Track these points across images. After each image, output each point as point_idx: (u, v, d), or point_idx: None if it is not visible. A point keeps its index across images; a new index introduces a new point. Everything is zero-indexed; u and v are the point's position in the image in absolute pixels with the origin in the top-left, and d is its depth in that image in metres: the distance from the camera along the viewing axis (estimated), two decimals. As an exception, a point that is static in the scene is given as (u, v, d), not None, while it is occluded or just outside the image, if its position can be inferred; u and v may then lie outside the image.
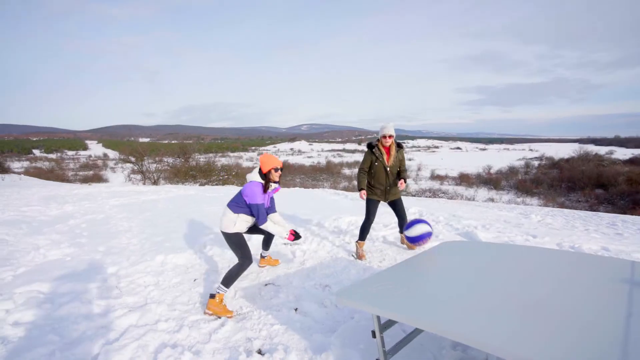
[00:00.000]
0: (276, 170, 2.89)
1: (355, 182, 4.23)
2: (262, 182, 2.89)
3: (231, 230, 2.86)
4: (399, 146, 3.95)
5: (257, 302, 2.81)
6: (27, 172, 29.80)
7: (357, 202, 8.71)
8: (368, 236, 4.96)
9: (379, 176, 3.85)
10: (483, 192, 44.71)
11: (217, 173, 18.91)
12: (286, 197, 9.89)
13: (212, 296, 2.65)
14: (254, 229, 3.18)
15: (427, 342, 2.17)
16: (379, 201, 3.98)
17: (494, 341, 1.22)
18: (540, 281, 1.88)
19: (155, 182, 18.56)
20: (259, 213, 2.82)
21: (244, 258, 2.79)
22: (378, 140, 3.88)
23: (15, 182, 17.10)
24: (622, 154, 72.32)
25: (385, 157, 3.80)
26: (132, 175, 21.33)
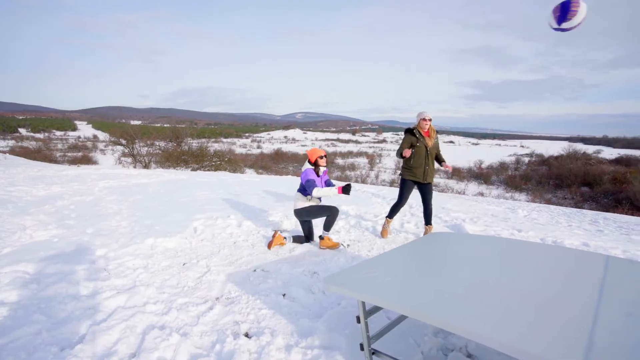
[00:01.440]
0: (321, 157, 3.77)
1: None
2: (313, 167, 3.76)
3: (305, 205, 3.77)
4: (436, 131, 4.17)
5: (246, 287, 2.84)
6: (13, 152, 29.03)
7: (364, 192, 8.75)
8: (359, 225, 5.04)
9: (420, 157, 4.01)
10: (473, 186, 45.35)
11: (209, 159, 18.74)
12: (278, 185, 9.89)
13: (321, 237, 3.88)
14: (319, 212, 3.82)
15: (410, 329, 2.24)
16: (414, 184, 4.17)
17: (474, 328, 1.27)
18: (521, 272, 1.95)
19: (146, 166, 18.32)
20: (310, 186, 3.60)
21: (331, 209, 3.78)
22: (415, 126, 4.08)
23: (0, 161, 16.70)
24: (609, 153, 73.79)
25: (426, 139, 4.01)
26: (122, 158, 20.97)
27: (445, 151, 4.40)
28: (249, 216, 5.20)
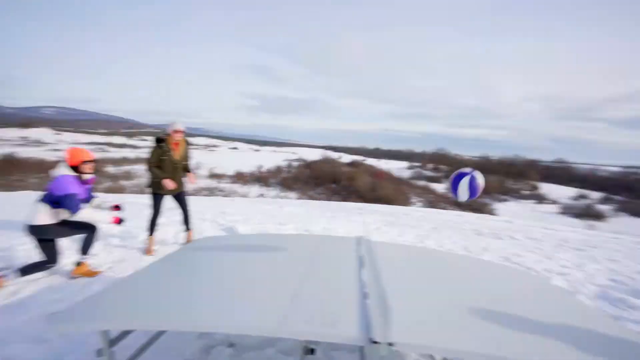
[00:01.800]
0: (86, 162, 3.00)
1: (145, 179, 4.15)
2: (74, 174, 2.97)
3: (51, 221, 2.92)
4: (187, 142, 4.13)
5: None
6: None
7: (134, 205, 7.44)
8: (124, 242, 4.42)
9: (167, 171, 3.93)
10: (255, 189, 49.90)
11: None
12: (8, 203, 7.01)
13: (78, 264, 3.21)
14: (72, 231, 3.11)
15: (173, 340, 2.23)
16: (163, 195, 4.02)
17: (224, 322, 1.38)
18: (273, 263, 2.28)
19: None
20: (72, 202, 2.85)
21: (51, 260, 3.01)
22: (167, 135, 3.92)
23: None
24: (346, 158, 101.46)
25: (173, 152, 3.93)
26: None
27: (230, 157, 4.68)
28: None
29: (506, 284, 2.19)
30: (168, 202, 4.14)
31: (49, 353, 2.09)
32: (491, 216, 14.88)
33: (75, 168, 2.98)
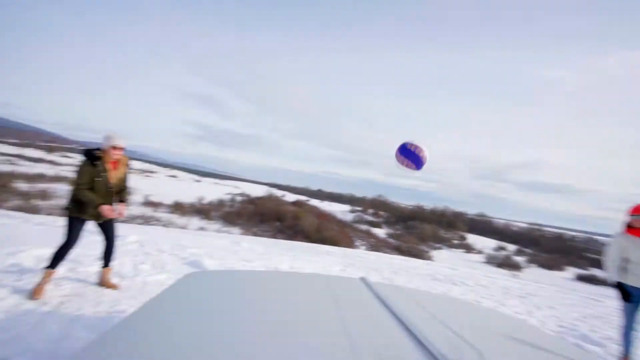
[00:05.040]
0: None
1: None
2: None
3: None
4: (128, 162, 3.51)
5: None
6: None
7: (54, 227, 6.40)
8: (76, 275, 3.79)
9: (99, 192, 3.22)
10: (195, 221, 46.61)
11: None
12: None
13: None
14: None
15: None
16: (85, 221, 3.25)
17: None
18: (314, 304, 2.12)
19: None
20: None
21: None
22: (101, 150, 3.22)
23: None
24: (290, 197, 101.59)
25: (110, 172, 3.26)
26: None
27: (168, 185, 4.35)
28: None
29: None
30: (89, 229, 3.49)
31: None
32: (435, 263, 15.90)
33: None
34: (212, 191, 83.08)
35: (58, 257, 3.17)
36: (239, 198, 78.82)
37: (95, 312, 2.96)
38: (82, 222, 3.24)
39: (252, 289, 2.46)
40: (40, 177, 55.46)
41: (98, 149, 3.23)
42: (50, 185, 47.90)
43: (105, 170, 3.21)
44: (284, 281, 2.74)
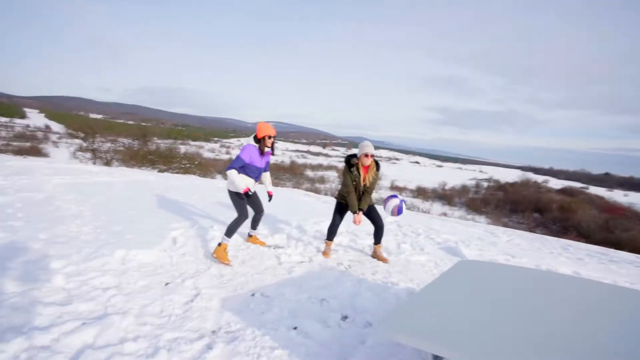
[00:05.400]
0: (269, 137, 3.40)
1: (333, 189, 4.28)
2: (256, 145, 3.39)
3: (229, 188, 3.45)
4: (377, 165, 3.81)
5: (247, 317, 2.36)
6: (-56, 136, 25.44)
7: (333, 205, 8.42)
8: (354, 243, 4.70)
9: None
10: (437, 207, 47.04)
11: (178, 160, 17.53)
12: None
13: (219, 244, 3.38)
14: (251, 202, 3.68)
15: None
16: (346, 208, 3.93)
17: None
18: (565, 311, 1.69)
19: (107, 163, 16.74)
20: (234, 163, 3.28)
21: (241, 215, 3.42)
22: (357, 157, 3.68)
23: None
24: (555, 183, 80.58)
25: (362, 177, 3.71)
26: (79, 153, 19.01)
27: (411, 171, 4.24)
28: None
29: None
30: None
31: (334, 339, 2.20)
32: None
33: (260, 141, 3.39)
34: (455, 176, 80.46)
35: (330, 231, 4.04)
36: (485, 184, 71.74)
37: (374, 278, 3.48)
38: (343, 205, 3.95)
39: (530, 287, 2.02)
40: (319, 166, 75.06)
41: (354, 156, 3.76)
42: (325, 172, 63.85)
43: (358, 176, 3.70)
44: (572, 287, 2.09)
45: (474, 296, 1.90)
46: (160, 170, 15.95)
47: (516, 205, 50.01)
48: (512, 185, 66.71)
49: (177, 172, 15.82)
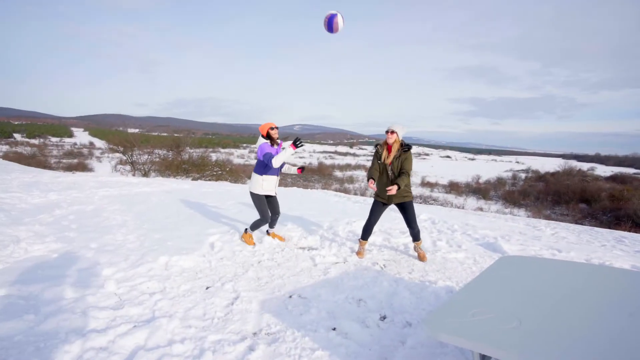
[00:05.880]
0: (272, 129, 3.78)
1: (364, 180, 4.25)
2: (268, 141, 3.79)
3: (257, 191, 3.84)
4: (406, 147, 3.63)
5: (286, 318, 2.39)
6: (7, 157, 28.22)
7: (364, 205, 8.35)
8: (388, 242, 4.62)
9: (381, 176, 3.67)
10: (472, 201, 45.16)
11: (210, 168, 18.22)
12: (286, 197, 9.45)
13: (245, 231, 4.13)
14: (270, 204, 4.03)
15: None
16: (383, 204, 3.79)
17: None
18: (624, 308, 1.54)
19: (145, 174, 17.75)
20: (268, 158, 3.59)
21: (263, 217, 3.91)
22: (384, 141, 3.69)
23: (-7, 167, 16.04)
24: (603, 171, 74.61)
25: (386, 154, 3.60)
26: (120, 166, 20.33)
27: (443, 166, 4.02)
28: (266, 229, 4.75)
29: None
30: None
31: (374, 340, 2.17)
32: None
33: (268, 137, 3.78)
34: (489, 169, 76.91)
35: (365, 230, 3.93)
36: (522, 175, 67.94)
37: (410, 277, 3.39)
38: (379, 204, 3.81)
39: (582, 283, 1.87)
40: (347, 166, 74.63)
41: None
42: (354, 172, 63.33)
43: (383, 154, 3.62)
44: (630, 282, 1.92)
45: (520, 293, 1.80)
46: (194, 179, 16.64)
47: (559, 196, 46.85)
48: (554, 175, 62.59)
49: (209, 180, 16.43)
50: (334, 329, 2.28)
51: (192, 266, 3.28)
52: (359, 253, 3.95)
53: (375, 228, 5.36)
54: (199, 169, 17.65)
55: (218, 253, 3.71)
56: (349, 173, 65.16)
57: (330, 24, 3.63)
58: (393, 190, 3.35)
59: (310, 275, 3.24)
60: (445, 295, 2.94)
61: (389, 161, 3.58)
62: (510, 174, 67.83)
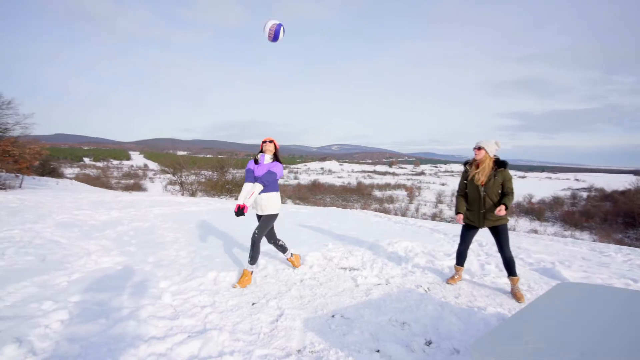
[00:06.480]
0: (264, 142, 3.50)
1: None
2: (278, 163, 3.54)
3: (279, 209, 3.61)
4: (501, 164, 3.36)
5: (329, 337, 2.40)
6: (77, 178, 31.85)
7: (405, 225, 8.15)
8: (432, 265, 4.46)
9: (472, 197, 3.43)
10: (524, 223, 41.82)
11: (252, 188, 18.97)
12: (325, 217, 9.52)
13: (291, 255, 3.96)
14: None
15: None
16: (474, 227, 3.51)
17: None
18: None
19: (193, 194, 18.97)
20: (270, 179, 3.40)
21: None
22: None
23: (67, 187, 18.15)
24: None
25: (477, 174, 3.35)
26: (170, 186, 21.94)
27: None
28: (308, 249, 4.83)
29: None
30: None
31: (419, 368, 2.10)
32: None
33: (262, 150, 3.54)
34: (543, 187, 71.07)
35: (458, 256, 3.74)
36: (583, 193, 61.78)
37: (457, 302, 3.24)
38: (469, 227, 3.55)
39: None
40: (387, 186, 73.25)
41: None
42: (394, 191, 61.94)
43: (469, 172, 3.42)
44: None
45: (584, 324, 1.66)
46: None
47: (632, 217, 41.81)
48: (624, 193, 56.09)
49: (252, 199, 17.08)
50: (378, 351, 2.25)
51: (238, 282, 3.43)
52: (452, 279, 3.76)
53: (418, 249, 5.22)
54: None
55: (262, 271, 3.84)
56: (388, 192, 63.93)
57: (276, 35, 3.74)
58: (502, 210, 3.13)
59: (352, 296, 3.23)
60: (496, 323, 2.77)
61: (482, 181, 3.32)
62: (568, 193, 62.01)
